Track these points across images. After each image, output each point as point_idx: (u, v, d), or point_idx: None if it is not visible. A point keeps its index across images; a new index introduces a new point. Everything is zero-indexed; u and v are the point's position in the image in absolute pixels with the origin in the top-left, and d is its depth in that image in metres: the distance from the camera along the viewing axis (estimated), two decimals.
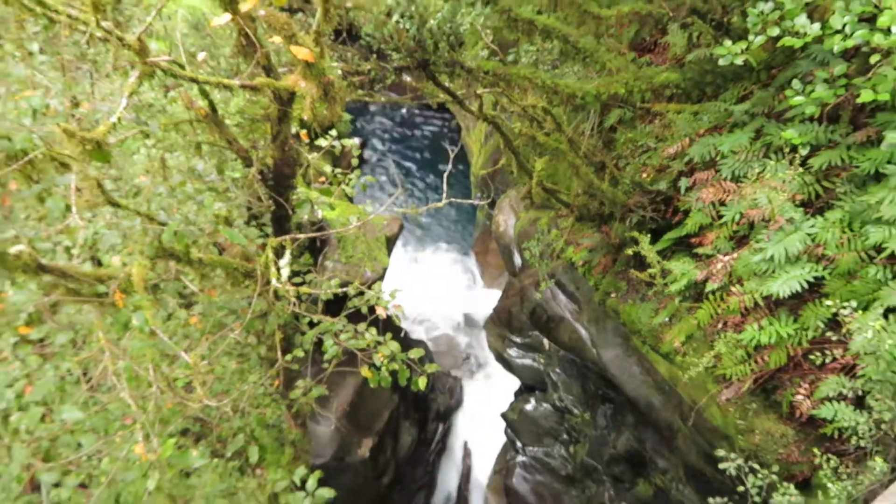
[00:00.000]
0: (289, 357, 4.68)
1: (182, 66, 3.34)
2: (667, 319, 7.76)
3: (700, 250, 7.19)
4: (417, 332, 17.01)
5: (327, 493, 4.23)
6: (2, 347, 3.87)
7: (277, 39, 3.29)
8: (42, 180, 2.99)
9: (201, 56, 3.95)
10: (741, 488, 5.73)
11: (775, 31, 5.98)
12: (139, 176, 4.44)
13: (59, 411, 3.51)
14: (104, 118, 3.30)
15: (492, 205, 18.03)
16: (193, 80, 3.36)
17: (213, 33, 6.46)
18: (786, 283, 5.98)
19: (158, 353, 3.53)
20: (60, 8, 2.93)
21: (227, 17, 3.29)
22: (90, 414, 3.61)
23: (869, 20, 5.59)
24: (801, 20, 5.78)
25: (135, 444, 3.29)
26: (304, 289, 3.77)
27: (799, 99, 6.05)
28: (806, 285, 5.94)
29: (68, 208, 3.01)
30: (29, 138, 2.87)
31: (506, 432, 15.09)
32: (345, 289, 4.57)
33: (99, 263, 4.07)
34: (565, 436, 13.51)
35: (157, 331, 3.20)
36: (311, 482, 4.25)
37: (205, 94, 4.10)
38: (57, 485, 3.94)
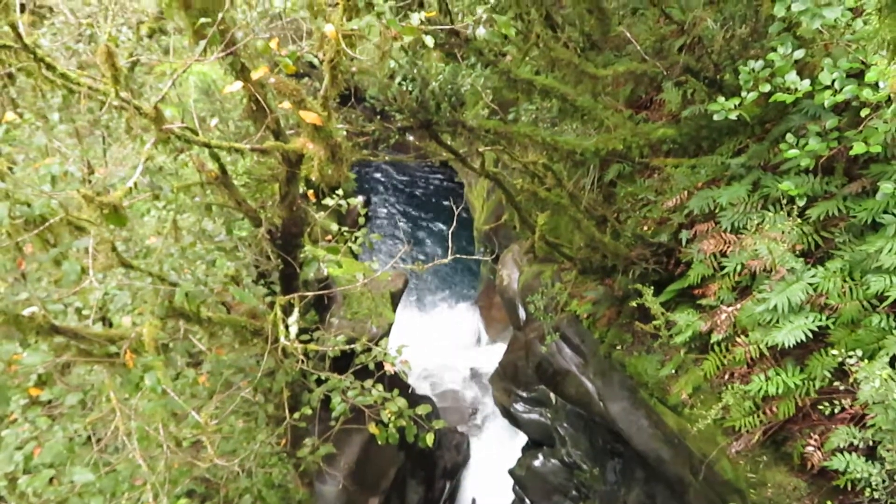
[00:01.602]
0: (297, 415, 4.67)
1: (195, 132, 3.47)
2: (673, 371, 7.73)
3: (703, 301, 7.23)
4: (423, 388, 16.87)
5: None
6: (12, 409, 3.89)
7: (287, 105, 3.43)
8: (58, 244, 3.08)
9: (213, 122, 4.09)
10: None
11: (767, 88, 6.15)
12: (149, 237, 4.55)
13: (68, 473, 3.51)
14: (120, 183, 3.41)
15: (495, 259, 18.12)
16: (206, 145, 3.49)
17: (223, 98, 6.67)
18: (790, 333, 6.00)
19: (168, 413, 3.55)
20: (82, 80, 3.07)
21: (239, 84, 3.44)
22: (100, 476, 3.60)
23: (857, 76, 5.77)
24: (791, 77, 5.95)
25: None
26: (311, 346, 3.81)
27: (793, 152, 6.18)
28: (810, 335, 5.95)
29: (84, 271, 3.09)
30: (48, 204, 2.98)
31: (514, 489, 14.78)
32: (352, 345, 4.61)
33: (109, 324, 4.13)
34: (574, 492, 13.24)
35: (168, 391, 3.22)
36: None
37: (215, 158, 4.23)
38: None
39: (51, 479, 3.68)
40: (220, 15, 3.28)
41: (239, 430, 4.79)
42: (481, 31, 3.35)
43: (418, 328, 18.74)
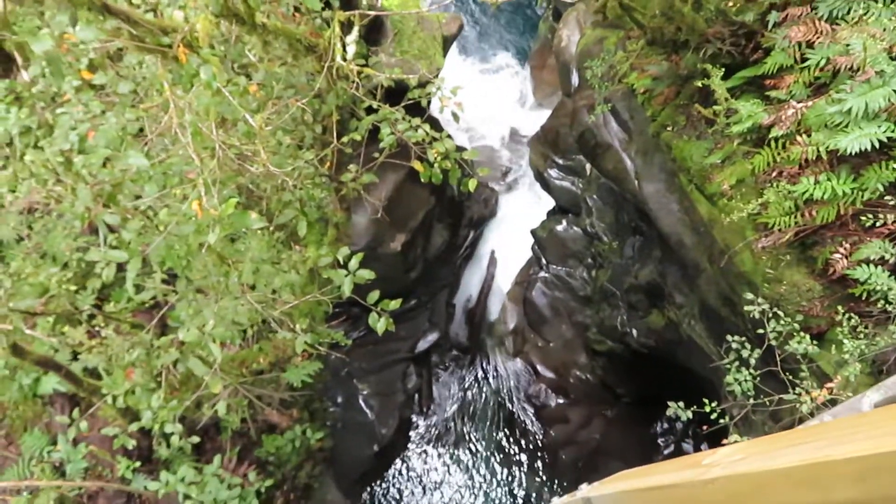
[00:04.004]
0: (345, 139, 4.67)
1: None
2: (720, 161, 7.56)
3: (773, 93, 6.81)
4: (461, 140, 16.89)
5: (368, 274, 4.44)
6: (65, 90, 3.91)
7: None
8: None
9: None
10: (760, 331, 5.92)
11: None
12: None
13: (122, 157, 3.61)
14: None
15: (556, 17, 16.98)
16: None
17: None
18: (856, 140, 5.71)
19: (220, 115, 3.54)
20: None
21: None
22: (154, 163, 3.71)
23: None
24: None
25: (195, 200, 3.41)
26: (368, 69, 3.66)
27: None
28: (877, 144, 5.67)
29: None
30: None
31: (533, 248, 15.49)
32: (409, 76, 4.44)
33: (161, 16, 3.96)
34: (590, 260, 13.86)
35: (222, 89, 3.16)
36: (354, 263, 4.45)
37: None
38: (113, 229, 4.18)
39: (104, 163, 3.81)
40: None
41: (286, 145, 4.83)
42: None
43: (465, 79, 18.22)
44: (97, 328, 5.69)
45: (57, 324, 5.69)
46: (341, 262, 4.36)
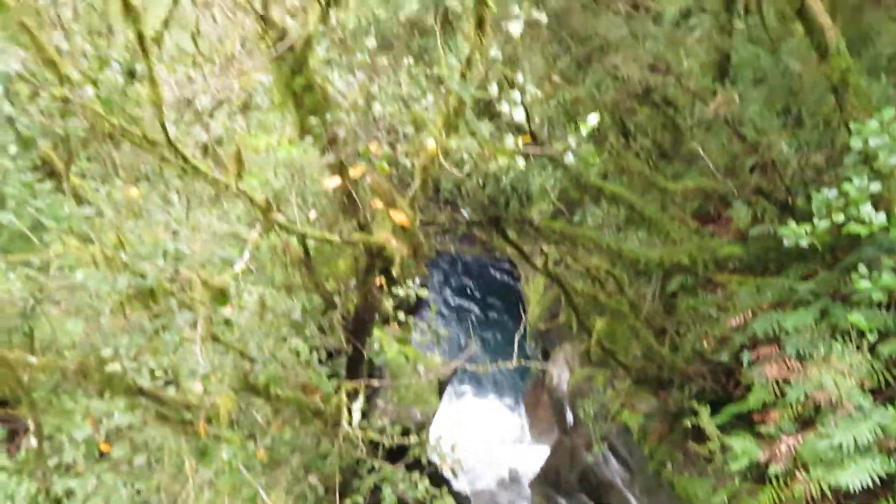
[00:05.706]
0: (347, 502, 4.68)
1: (292, 222, 3.72)
2: (726, 500, 7.39)
3: (763, 428, 6.98)
4: (460, 484, 16.40)
5: None
6: (80, 462, 4.04)
7: (379, 204, 3.66)
8: (161, 315, 3.30)
9: (313, 214, 4.36)
10: None
11: (840, 217, 6.10)
12: (227, 308, 4.73)
13: None
14: (223, 263, 3.66)
15: (545, 356, 17.86)
16: (303, 235, 3.71)
17: (305, 174, 7.01)
18: (855, 475, 5.72)
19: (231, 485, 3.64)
20: (205, 168, 3.37)
21: (337, 180, 3.70)
22: None
23: None
24: (867, 209, 5.90)
25: None
26: (371, 433, 3.88)
27: (866, 284, 6.04)
28: (878, 479, 5.67)
29: (180, 342, 3.29)
30: (160, 278, 3.22)
31: None
32: (409, 438, 4.64)
33: (178, 387, 4.28)
34: None
35: (241, 468, 3.32)
36: None
37: (303, 242, 4.47)
38: None
39: None
40: (327, 115, 3.59)
41: None
42: (569, 158, 3.54)
43: (461, 419, 18.42)
44: None
45: None
46: None
